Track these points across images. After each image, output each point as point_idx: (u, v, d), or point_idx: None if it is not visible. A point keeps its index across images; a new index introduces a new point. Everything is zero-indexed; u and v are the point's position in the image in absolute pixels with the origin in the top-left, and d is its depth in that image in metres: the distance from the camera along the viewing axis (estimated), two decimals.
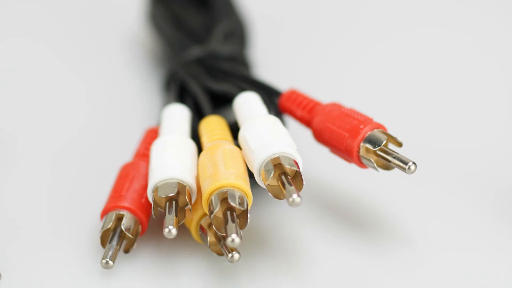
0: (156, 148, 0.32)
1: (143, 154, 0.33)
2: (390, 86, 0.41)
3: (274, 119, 0.32)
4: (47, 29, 0.45)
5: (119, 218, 0.31)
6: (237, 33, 0.40)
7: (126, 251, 0.31)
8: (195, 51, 0.38)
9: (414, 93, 0.40)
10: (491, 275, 0.31)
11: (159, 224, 0.31)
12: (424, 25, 0.45)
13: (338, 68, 0.42)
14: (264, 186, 0.30)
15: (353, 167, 0.32)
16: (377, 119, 0.32)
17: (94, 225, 0.32)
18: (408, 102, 0.40)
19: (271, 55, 0.42)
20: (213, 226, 0.29)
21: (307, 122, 0.33)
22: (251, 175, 0.30)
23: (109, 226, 0.31)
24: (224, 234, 0.29)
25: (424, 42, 0.44)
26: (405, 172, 0.30)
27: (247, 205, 0.29)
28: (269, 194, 0.30)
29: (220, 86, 0.36)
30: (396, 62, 0.42)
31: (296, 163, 0.30)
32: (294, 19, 0.45)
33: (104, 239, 0.31)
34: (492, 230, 0.32)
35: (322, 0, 0.46)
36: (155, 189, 0.30)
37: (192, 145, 0.32)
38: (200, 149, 0.32)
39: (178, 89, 0.37)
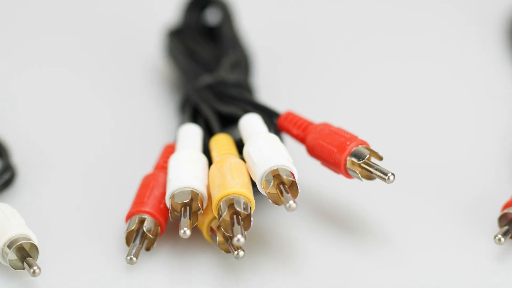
0: (173, 162, 0.32)
1: (162, 167, 0.34)
2: (374, 108, 0.41)
3: (273, 137, 0.32)
4: (81, 61, 0.45)
5: (142, 221, 0.31)
6: (242, 63, 0.40)
7: (148, 249, 0.32)
8: (206, 79, 0.38)
9: (394, 113, 0.40)
10: (461, 270, 0.31)
11: (176, 226, 0.31)
12: (403, 58, 0.45)
13: (329, 93, 0.42)
14: (265, 194, 0.30)
15: (340, 177, 0.32)
16: (361, 136, 0.32)
17: (119, 227, 0.33)
18: (389, 121, 0.40)
19: (271, 82, 0.42)
20: (222, 228, 0.30)
21: (301, 139, 0.34)
22: (254, 184, 0.31)
23: (133, 227, 0.31)
24: (231, 235, 0.30)
25: (403, 71, 0.44)
26: (385, 182, 0.31)
27: (250, 210, 0.30)
28: (269, 200, 0.30)
29: (227, 109, 0.36)
30: (379, 88, 0.42)
31: (292, 174, 0.30)
32: (291, 51, 0.45)
33: (129, 239, 0.31)
34: (463, 233, 0.33)
35: (315, 35, 0.46)
36: (172, 196, 0.31)
37: (203, 159, 0.33)
38: (210, 162, 0.33)
39: (191, 111, 0.37)
